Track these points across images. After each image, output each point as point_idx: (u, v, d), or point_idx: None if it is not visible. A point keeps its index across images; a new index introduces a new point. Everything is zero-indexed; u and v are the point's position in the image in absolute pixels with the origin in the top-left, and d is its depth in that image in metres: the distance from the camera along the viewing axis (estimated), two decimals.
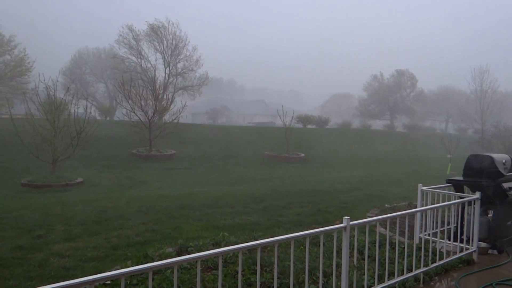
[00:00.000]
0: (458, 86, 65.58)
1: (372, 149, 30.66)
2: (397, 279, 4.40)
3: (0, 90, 34.37)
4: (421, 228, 5.90)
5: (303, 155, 25.06)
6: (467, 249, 5.52)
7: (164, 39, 41.43)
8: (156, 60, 42.34)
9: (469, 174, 6.20)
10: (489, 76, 35.12)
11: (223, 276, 4.05)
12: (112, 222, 7.97)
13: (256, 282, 3.33)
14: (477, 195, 5.61)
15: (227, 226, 7.52)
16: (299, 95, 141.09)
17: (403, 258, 4.59)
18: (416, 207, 6.44)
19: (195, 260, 2.87)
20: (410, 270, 4.61)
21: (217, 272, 3.19)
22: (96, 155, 19.95)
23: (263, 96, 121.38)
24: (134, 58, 42.65)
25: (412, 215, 6.05)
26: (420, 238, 5.61)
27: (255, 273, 3.81)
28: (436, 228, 5.93)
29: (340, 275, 3.78)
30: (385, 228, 6.57)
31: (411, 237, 6.30)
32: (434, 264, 4.95)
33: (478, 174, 6.05)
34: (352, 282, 3.93)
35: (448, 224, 5.98)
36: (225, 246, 5.27)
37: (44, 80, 15.92)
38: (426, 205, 5.90)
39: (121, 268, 3.60)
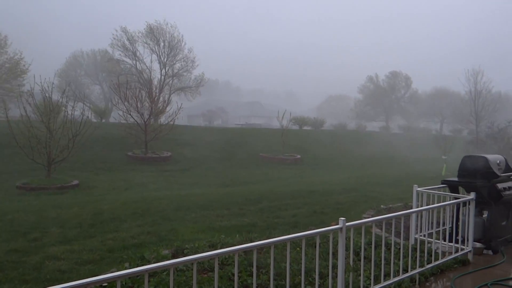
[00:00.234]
0: (452, 87, 65.94)
1: (367, 150, 30.73)
2: (393, 279, 4.42)
3: None
4: (416, 229, 5.92)
5: (299, 156, 25.09)
6: (462, 249, 5.55)
7: (161, 40, 41.38)
8: (151, 62, 42.27)
9: (463, 175, 6.24)
10: (483, 77, 35.30)
11: (219, 278, 4.06)
12: (107, 224, 7.95)
13: (252, 283, 3.33)
14: (472, 195, 5.64)
15: (223, 228, 7.52)
16: (295, 97, 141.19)
17: (399, 259, 4.61)
18: (411, 208, 6.47)
19: (191, 262, 2.86)
20: (406, 270, 4.63)
21: (213, 274, 3.20)
22: (91, 157, 19.87)
23: (259, 97, 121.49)
24: (129, 60, 42.55)
25: (408, 216, 6.08)
26: (416, 239, 5.64)
27: (251, 275, 3.82)
28: (432, 228, 5.96)
29: (336, 276, 3.79)
30: (381, 229, 6.60)
31: (407, 238, 6.32)
32: (430, 265, 4.97)
33: (472, 175, 6.09)
34: (348, 283, 3.94)
35: (444, 224, 6.00)
36: (221, 248, 5.27)
37: (40, 82, 15.86)
38: (422, 206, 5.92)
39: (117, 270, 3.60)
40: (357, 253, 4.93)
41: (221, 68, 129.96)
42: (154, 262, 3.99)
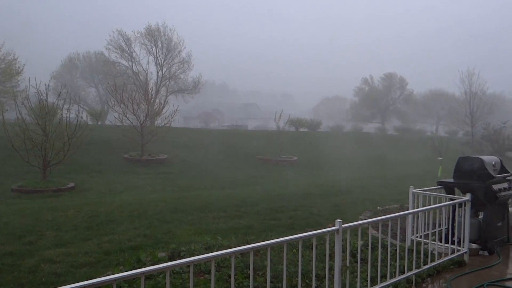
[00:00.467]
0: (447, 88, 66.32)
1: (363, 152, 30.79)
2: (390, 281, 4.43)
3: None
4: (413, 230, 5.93)
5: (295, 158, 25.10)
6: (458, 250, 5.57)
7: (159, 41, 41.33)
8: (148, 64, 42.20)
9: (459, 176, 6.27)
10: (478, 78, 35.50)
11: (215, 280, 4.04)
12: (103, 227, 7.91)
13: (249, 286, 3.33)
14: (468, 197, 5.66)
15: (220, 230, 7.51)
16: (291, 99, 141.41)
17: (396, 260, 4.61)
18: (408, 209, 6.48)
19: (188, 264, 2.86)
20: (402, 272, 4.63)
21: (210, 277, 3.19)
22: (87, 160, 19.79)
23: (255, 99, 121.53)
24: (125, 62, 42.46)
25: (404, 217, 6.09)
26: (412, 240, 5.65)
27: (248, 277, 3.81)
28: (428, 230, 5.97)
29: (333, 278, 3.79)
30: (378, 230, 6.62)
31: (403, 239, 6.34)
32: (426, 266, 4.98)
33: (468, 176, 6.12)
34: (345, 285, 3.94)
35: (440, 226, 6.03)
36: (217, 250, 5.26)
37: (36, 85, 15.80)
38: (418, 207, 5.94)
39: (113, 273, 3.58)
40: (353, 255, 4.94)
41: (217, 69, 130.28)
42: (151, 265, 3.98)
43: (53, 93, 22.13)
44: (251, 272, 3.26)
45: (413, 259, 4.78)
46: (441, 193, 6.32)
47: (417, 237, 5.74)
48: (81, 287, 2.27)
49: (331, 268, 3.83)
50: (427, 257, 5.06)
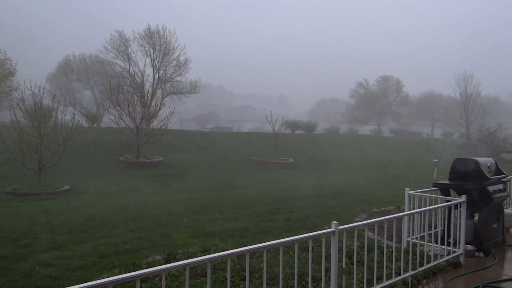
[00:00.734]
0: (442, 91, 66.70)
1: (359, 154, 30.87)
2: (386, 283, 4.43)
3: None
4: (408, 232, 5.94)
5: (291, 160, 25.12)
6: (454, 252, 5.58)
7: (157, 43, 41.25)
8: (145, 66, 42.09)
9: (455, 177, 6.29)
10: (473, 81, 35.74)
11: (212, 283, 4.03)
12: (99, 230, 7.88)
13: None
14: (463, 198, 5.68)
15: (216, 232, 7.49)
16: (287, 101, 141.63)
17: (392, 262, 4.61)
18: (403, 211, 6.49)
19: (183, 267, 2.84)
20: (398, 273, 4.64)
21: (206, 279, 3.18)
22: (83, 163, 19.73)
23: (251, 101, 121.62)
24: (121, 63, 42.31)
25: (400, 219, 6.10)
26: (408, 242, 5.65)
27: (244, 279, 3.80)
28: (424, 231, 5.98)
29: (329, 280, 3.79)
30: (374, 232, 6.62)
31: (399, 241, 6.34)
32: (422, 268, 4.99)
33: (463, 177, 6.13)
34: (342, 287, 3.94)
35: (435, 227, 6.04)
36: (214, 252, 5.24)
37: (31, 87, 15.74)
38: (414, 209, 5.95)
39: (108, 276, 3.56)
40: (350, 257, 4.93)
41: (213, 72, 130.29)
42: (146, 268, 3.96)
43: (48, 95, 22.05)
44: (247, 274, 3.25)
45: (409, 261, 4.78)
46: (437, 194, 6.33)
47: (413, 238, 5.75)
48: None
49: (327, 270, 3.83)
50: (423, 258, 5.07)
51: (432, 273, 5.16)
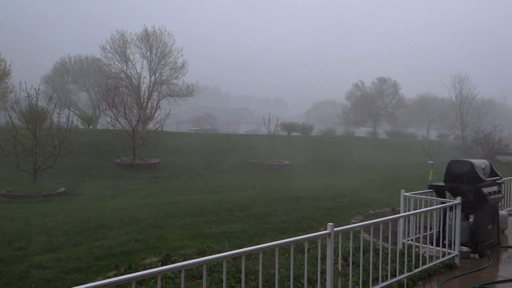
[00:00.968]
0: (438, 93, 67.01)
1: (355, 156, 30.94)
2: (381, 284, 4.44)
3: None
4: (404, 234, 5.96)
5: (287, 162, 25.13)
6: (449, 253, 5.60)
7: (154, 46, 41.19)
8: (142, 68, 42.01)
9: (450, 179, 6.31)
10: (468, 83, 35.97)
11: (207, 285, 4.03)
12: (94, 232, 7.85)
13: None
14: (458, 200, 5.71)
15: (213, 235, 7.48)
16: (284, 103, 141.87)
17: (387, 264, 4.63)
18: (399, 213, 6.51)
19: (179, 269, 2.84)
20: (394, 275, 4.65)
21: (202, 281, 3.17)
22: (78, 165, 19.65)
23: (247, 103, 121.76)
24: (118, 64, 42.20)
25: (395, 221, 6.11)
26: (404, 244, 5.68)
27: (240, 282, 3.80)
28: (419, 233, 6.00)
29: (325, 282, 3.80)
30: (369, 234, 6.63)
31: (395, 242, 6.35)
32: (418, 269, 5.01)
33: (458, 179, 6.16)
34: None
35: (431, 229, 6.06)
36: (209, 254, 5.24)
37: (26, 89, 15.68)
38: (409, 211, 5.97)
39: (104, 279, 3.55)
40: (345, 258, 4.95)
41: (210, 74, 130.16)
42: (142, 270, 3.95)
43: (44, 97, 21.95)
44: (243, 276, 3.25)
45: (404, 262, 4.80)
46: (432, 196, 6.36)
47: (408, 240, 5.77)
48: None
49: (323, 272, 3.84)
50: (419, 260, 5.08)
51: (428, 275, 5.17)
